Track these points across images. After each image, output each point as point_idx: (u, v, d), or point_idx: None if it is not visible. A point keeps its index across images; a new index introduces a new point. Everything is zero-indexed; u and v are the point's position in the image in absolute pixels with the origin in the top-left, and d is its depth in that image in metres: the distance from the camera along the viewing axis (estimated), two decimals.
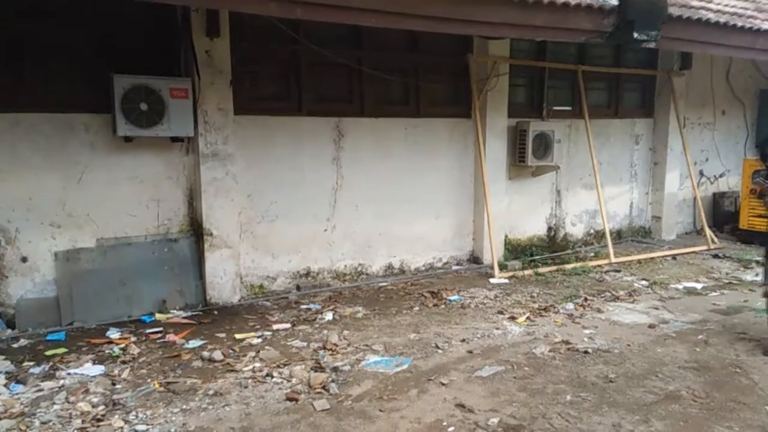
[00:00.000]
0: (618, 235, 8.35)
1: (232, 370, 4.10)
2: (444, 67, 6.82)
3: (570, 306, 5.60)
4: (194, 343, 4.59)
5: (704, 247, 7.95)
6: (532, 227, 7.67)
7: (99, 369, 4.10)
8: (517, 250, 7.39)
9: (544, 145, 7.09)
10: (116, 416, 3.46)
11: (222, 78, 5.40)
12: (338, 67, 6.03)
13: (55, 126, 4.95)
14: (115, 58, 5.08)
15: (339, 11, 4.37)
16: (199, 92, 5.27)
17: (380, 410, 3.57)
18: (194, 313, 5.34)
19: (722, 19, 6.50)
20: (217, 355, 4.31)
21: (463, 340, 4.70)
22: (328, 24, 4.81)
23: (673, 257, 7.60)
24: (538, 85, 7.52)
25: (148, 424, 3.39)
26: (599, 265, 7.06)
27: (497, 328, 5.00)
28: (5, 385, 3.83)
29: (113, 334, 4.79)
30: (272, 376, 3.99)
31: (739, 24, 6.65)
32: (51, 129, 4.94)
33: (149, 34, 5.35)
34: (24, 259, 4.94)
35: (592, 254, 7.66)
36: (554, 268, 6.87)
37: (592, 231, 8.17)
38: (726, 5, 7.05)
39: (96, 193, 5.14)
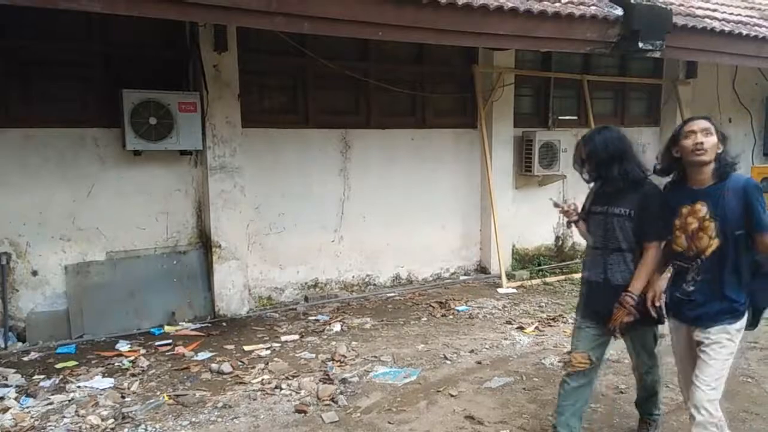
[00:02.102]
0: None
1: (241, 382, 4.11)
2: (450, 78, 6.86)
3: None
4: (203, 356, 4.61)
5: None
6: (540, 237, 7.66)
7: (109, 382, 4.12)
8: (524, 260, 7.38)
9: (550, 155, 7.09)
10: (126, 429, 3.48)
11: (230, 91, 5.46)
12: (345, 80, 6.07)
13: (66, 141, 5.01)
14: (123, 73, 5.15)
15: (346, 25, 4.41)
16: (207, 106, 5.33)
17: (389, 422, 3.57)
18: (203, 325, 5.36)
19: (727, 28, 6.51)
20: (226, 367, 4.32)
21: (472, 351, 4.70)
22: (335, 37, 4.85)
23: None
24: (544, 95, 7.54)
25: None
26: None
27: (506, 339, 4.98)
28: (16, 399, 3.86)
29: (123, 346, 4.81)
30: (281, 388, 4.00)
31: (744, 32, 6.65)
32: (61, 144, 5.00)
33: (157, 50, 5.42)
34: (34, 273, 4.98)
35: None
36: (562, 277, 6.86)
37: None
38: (731, 14, 7.06)
39: (106, 207, 5.19)
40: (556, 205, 3.24)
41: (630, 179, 2.90)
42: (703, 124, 2.63)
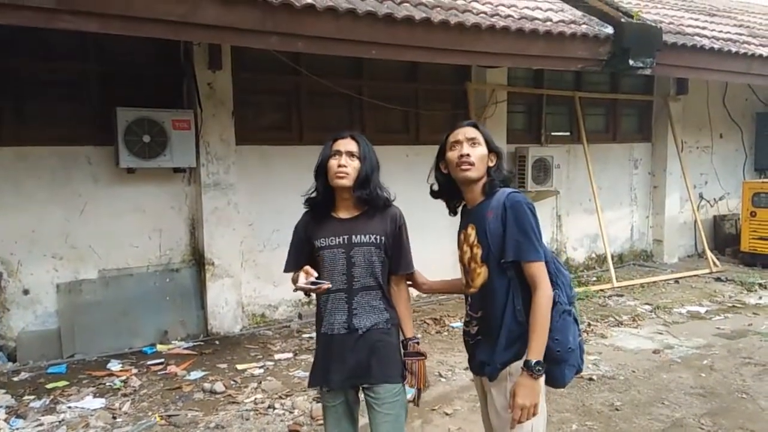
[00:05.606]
0: (620, 259, 8.33)
1: (233, 402, 4.07)
2: (443, 95, 6.90)
3: None
4: (195, 375, 4.56)
5: (706, 270, 7.93)
6: None
7: (100, 402, 4.07)
8: None
9: (543, 171, 7.13)
10: None
11: (224, 109, 5.47)
12: (338, 97, 6.10)
13: (59, 159, 5.00)
14: (117, 91, 5.16)
15: (340, 44, 4.45)
16: (201, 123, 5.33)
17: None
18: (196, 344, 5.31)
19: (717, 45, 6.61)
20: (219, 386, 4.27)
21: (467, 368, 4.65)
22: (329, 55, 4.89)
23: (676, 281, 7.57)
24: (537, 112, 7.60)
25: None
26: (602, 290, 7.03)
27: None
28: (5, 420, 3.80)
29: (114, 366, 4.76)
30: (274, 408, 3.95)
31: (734, 49, 6.75)
32: (54, 162, 4.98)
33: (152, 68, 5.44)
34: (26, 292, 4.94)
35: (594, 279, 7.64)
36: None
37: (593, 255, 8.16)
38: (720, 31, 7.17)
39: (98, 225, 5.16)
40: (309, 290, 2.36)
41: (383, 201, 2.40)
42: (470, 132, 2.21)
